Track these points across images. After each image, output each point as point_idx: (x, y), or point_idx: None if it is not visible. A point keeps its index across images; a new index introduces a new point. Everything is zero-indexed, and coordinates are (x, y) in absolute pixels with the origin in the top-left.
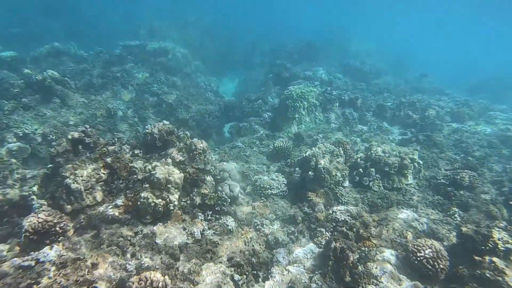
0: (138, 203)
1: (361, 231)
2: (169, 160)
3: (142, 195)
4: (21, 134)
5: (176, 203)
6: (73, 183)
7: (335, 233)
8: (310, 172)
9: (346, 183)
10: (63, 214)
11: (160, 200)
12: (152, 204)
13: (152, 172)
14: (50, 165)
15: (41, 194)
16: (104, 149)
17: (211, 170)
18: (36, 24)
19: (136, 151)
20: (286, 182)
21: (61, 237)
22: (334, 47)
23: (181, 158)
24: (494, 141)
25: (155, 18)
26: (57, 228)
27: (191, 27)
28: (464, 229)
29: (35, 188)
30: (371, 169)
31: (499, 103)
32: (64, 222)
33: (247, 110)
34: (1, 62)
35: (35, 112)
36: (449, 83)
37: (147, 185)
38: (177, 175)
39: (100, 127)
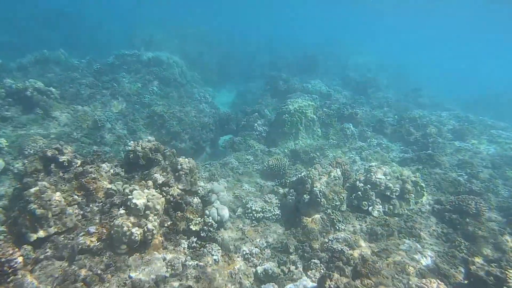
0: (112, 231)
1: (359, 267)
2: (150, 183)
3: (116, 222)
4: None
5: (155, 232)
6: (38, 208)
7: (331, 265)
8: (305, 196)
9: (344, 207)
10: (16, 249)
11: (136, 228)
12: (128, 233)
13: (129, 196)
14: (17, 186)
15: (5, 219)
16: (80, 168)
17: (199, 191)
18: (33, 35)
19: (118, 170)
20: (279, 205)
21: (11, 277)
22: (334, 60)
23: (163, 179)
24: (498, 162)
25: (153, 28)
26: (5, 268)
27: (190, 38)
28: (473, 267)
29: None
30: (371, 193)
31: (500, 119)
32: (15, 260)
33: (243, 123)
34: None
35: (14, 124)
36: (451, 97)
37: (122, 211)
38: (157, 201)
39: (86, 140)
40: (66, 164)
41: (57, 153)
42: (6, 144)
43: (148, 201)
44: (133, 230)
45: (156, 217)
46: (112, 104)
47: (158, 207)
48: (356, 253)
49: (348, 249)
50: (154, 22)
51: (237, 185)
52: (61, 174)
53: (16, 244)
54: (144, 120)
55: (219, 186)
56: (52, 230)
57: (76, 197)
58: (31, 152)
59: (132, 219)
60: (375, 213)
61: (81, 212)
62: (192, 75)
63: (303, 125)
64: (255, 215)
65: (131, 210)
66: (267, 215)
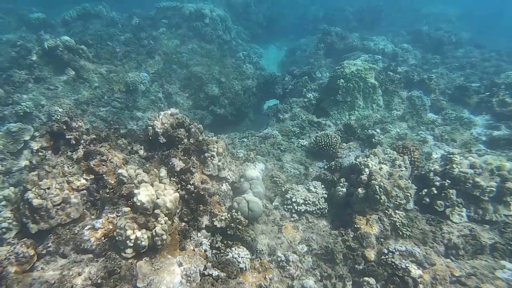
0: (115, 232)
1: None
2: (163, 173)
3: (119, 223)
4: (21, 113)
5: (165, 237)
6: (36, 197)
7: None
8: (360, 190)
9: (411, 205)
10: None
11: (143, 231)
12: (132, 238)
13: (135, 191)
14: (27, 163)
15: (14, 201)
16: (89, 147)
17: (228, 177)
18: None
19: (136, 147)
20: (326, 196)
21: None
22: (402, 10)
23: (183, 165)
24: None
25: None
26: None
27: None
28: None
29: (8, 192)
30: (451, 191)
31: None
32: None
33: (290, 87)
34: (30, 25)
35: (46, 85)
36: None
37: (127, 209)
38: (169, 198)
39: (117, 103)
40: (74, 142)
41: (64, 127)
42: (34, 109)
43: (158, 197)
44: (138, 234)
45: (167, 218)
46: (148, 63)
47: (170, 205)
48: (427, 276)
49: (415, 267)
50: None
51: (276, 165)
52: (69, 153)
53: (20, 235)
54: (181, 82)
55: (253, 172)
56: (54, 222)
57: (84, 181)
58: (58, 118)
59: (138, 219)
60: (456, 218)
61: (91, 198)
62: (237, 30)
63: (361, 93)
64: (295, 207)
65: (136, 208)
66: (311, 209)
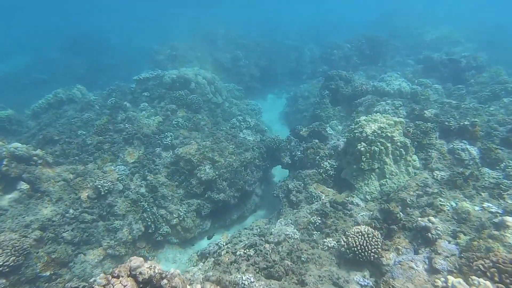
0: None
1: None
2: None
3: None
4: None
5: None
6: None
7: None
8: None
9: None
10: None
11: None
12: None
13: None
14: None
15: None
16: None
17: None
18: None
19: None
20: None
21: None
22: (401, 38)
23: None
24: None
25: (178, 38)
26: None
27: (220, 42)
28: None
29: None
30: None
31: None
32: None
33: (298, 154)
34: None
35: None
36: None
37: None
38: None
39: (87, 216)
40: None
41: None
42: None
43: None
44: None
45: None
46: (126, 151)
47: None
48: None
49: None
50: (178, 31)
51: None
52: None
53: None
54: (168, 168)
55: None
56: None
57: None
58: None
59: None
60: None
61: None
62: (229, 88)
63: (390, 156)
64: None
65: None
66: None
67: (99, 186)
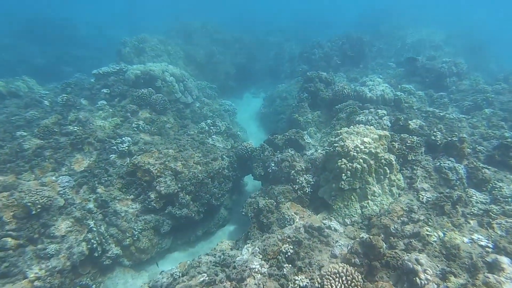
0: None
1: None
2: None
3: None
4: None
5: None
6: None
7: None
8: None
9: None
10: None
11: None
12: None
13: None
14: None
15: None
16: None
17: None
18: (17, 53)
19: None
20: None
21: None
22: (384, 38)
23: None
24: None
25: (148, 30)
26: None
27: (195, 36)
28: None
29: None
30: None
31: None
32: None
33: (272, 168)
34: None
35: None
36: None
37: None
38: None
39: (9, 242)
40: None
41: None
42: None
43: None
44: None
45: None
46: (73, 159)
47: None
48: None
49: None
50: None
51: None
52: None
53: None
54: (123, 179)
55: None
56: None
57: None
58: None
59: None
60: None
61: None
62: (201, 86)
63: (373, 175)
64: None
65: None
66: None
67: (29, 203)
